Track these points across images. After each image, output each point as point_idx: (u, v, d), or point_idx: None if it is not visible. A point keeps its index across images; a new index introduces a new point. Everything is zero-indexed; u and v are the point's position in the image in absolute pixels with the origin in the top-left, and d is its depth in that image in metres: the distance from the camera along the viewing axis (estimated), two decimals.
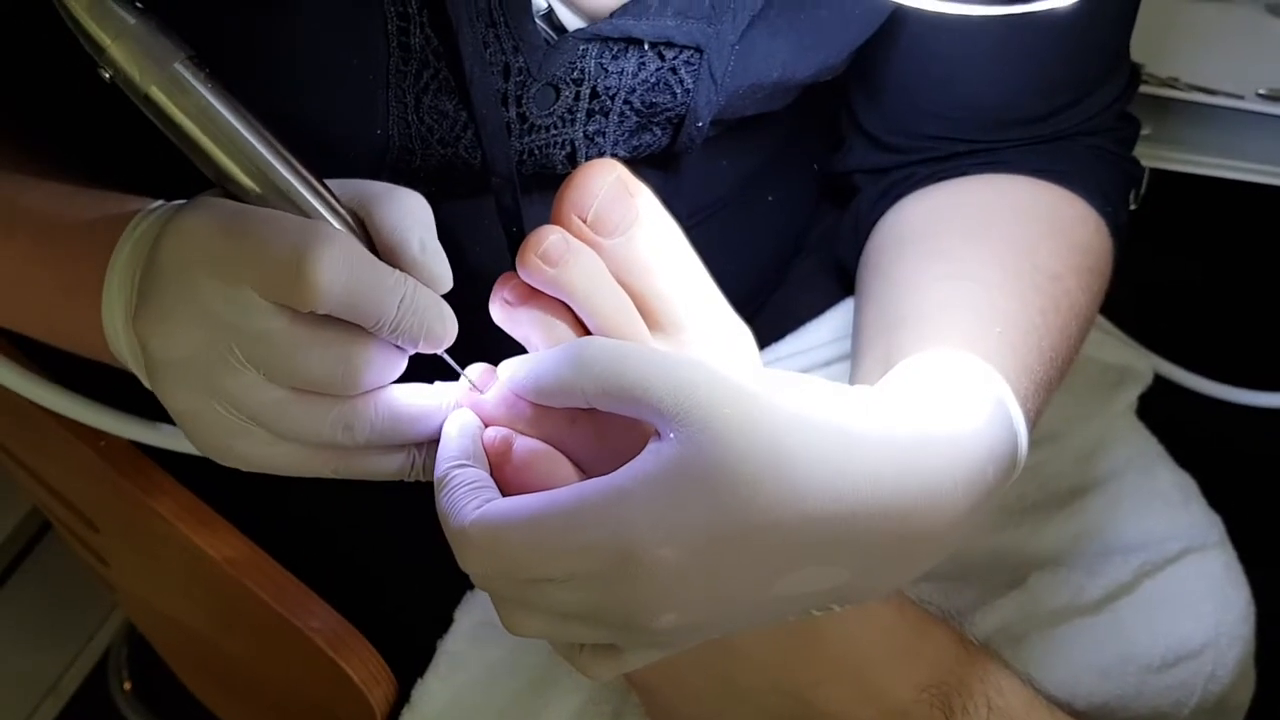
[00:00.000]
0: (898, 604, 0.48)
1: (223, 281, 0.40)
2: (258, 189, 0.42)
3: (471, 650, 0.58)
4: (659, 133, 0.57)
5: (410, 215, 0.43)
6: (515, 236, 0.55)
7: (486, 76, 0.50)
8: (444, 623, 0.59)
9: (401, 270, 0.42)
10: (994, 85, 0.63)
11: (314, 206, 0.43)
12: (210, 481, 0.59)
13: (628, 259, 0.44)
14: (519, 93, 0.52)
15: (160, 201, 0.49)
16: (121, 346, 0.47)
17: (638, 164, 0.59)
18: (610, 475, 0.39)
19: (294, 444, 0.43)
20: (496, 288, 0.44)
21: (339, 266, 0.40)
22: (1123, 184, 0.67)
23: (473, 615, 0.59)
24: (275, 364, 0.41)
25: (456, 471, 0.41)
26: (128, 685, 1.20)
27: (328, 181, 0.44)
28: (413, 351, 0.44)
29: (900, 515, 0.40)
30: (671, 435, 0.38)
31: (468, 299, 0.45)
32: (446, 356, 0.44)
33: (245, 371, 0.41)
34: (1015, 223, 0.61)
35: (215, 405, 0.42)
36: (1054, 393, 0.56)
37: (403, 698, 0.59)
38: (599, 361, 0.40)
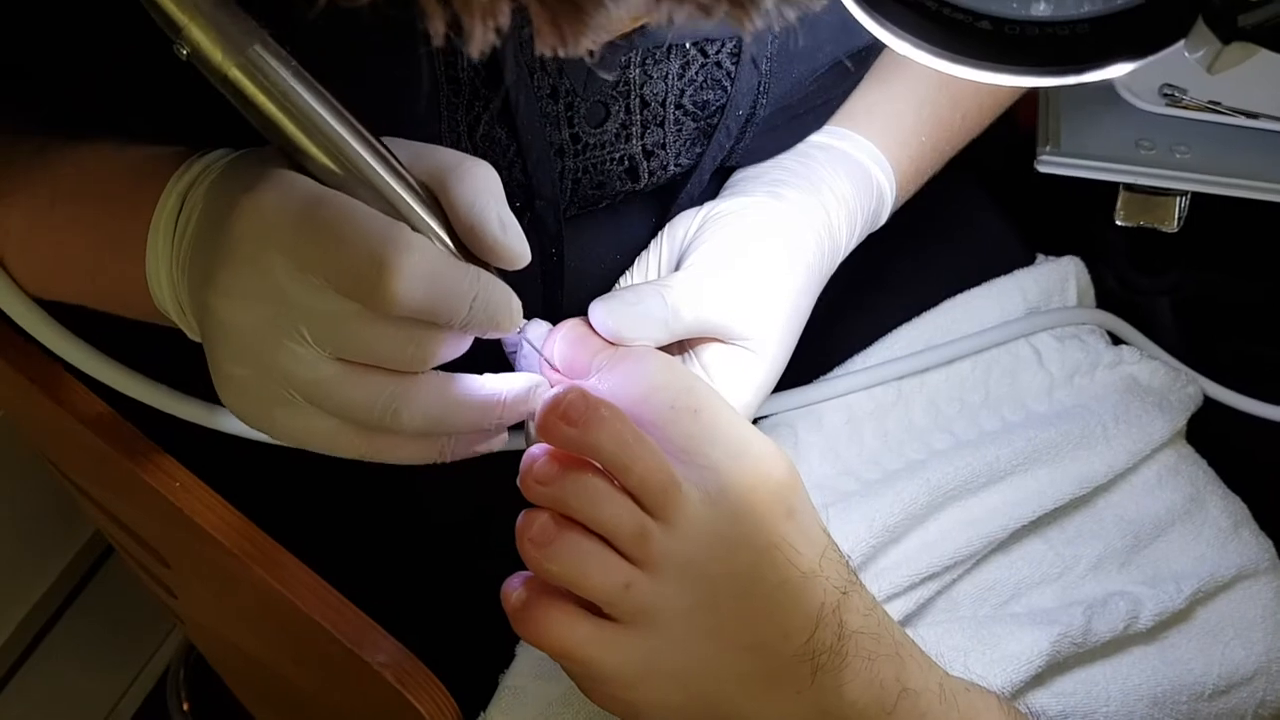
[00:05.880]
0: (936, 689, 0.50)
1: (299, 268, 0.41)
2: (338, 171, 0.42)
3: (533, 685, 0.59)
4: (723, 140, 0.57)
5: (486, 190, 0.43)
6: (553, 260, 0.55)
7: (532, 103, 0.51)
8: (506, 657, 0.61)
9: (481, 248, 0.43)
10: None
11: (395, 192, 0.42)
12: (280, 517, 0.61)
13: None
14: (569, 114, 0.53)
15: (195, 155, 0.48)
16: (165, 299, 0.48)
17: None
18: None
19: (335, 419, 0.44)
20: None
21: (418, 276, 0.40)
22: None
23: (534, 650, 0.60)
24: (343, 343, 0.42)
25: None
26: (186, 706, 1.21)
27: (401, 145, 0.44)
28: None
29: None
30: None
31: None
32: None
33: (307, 348, 0.42)
34: None
35: (267, 376, 0.42)
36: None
37: None
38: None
